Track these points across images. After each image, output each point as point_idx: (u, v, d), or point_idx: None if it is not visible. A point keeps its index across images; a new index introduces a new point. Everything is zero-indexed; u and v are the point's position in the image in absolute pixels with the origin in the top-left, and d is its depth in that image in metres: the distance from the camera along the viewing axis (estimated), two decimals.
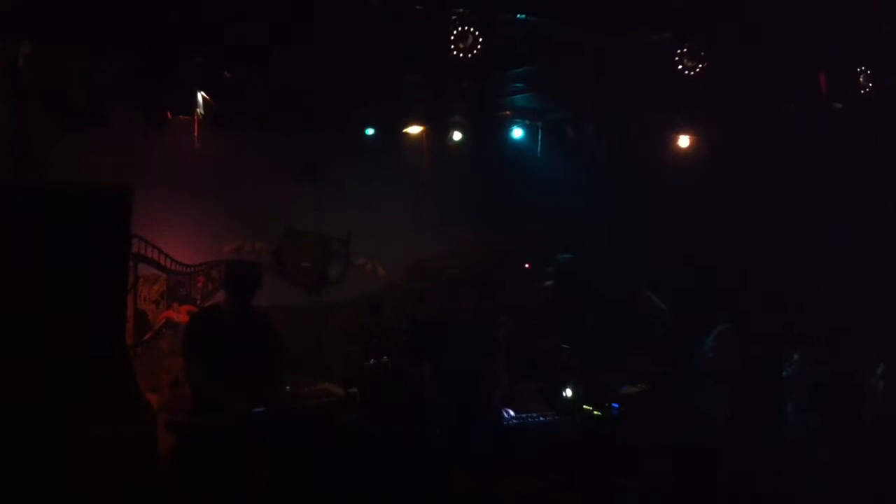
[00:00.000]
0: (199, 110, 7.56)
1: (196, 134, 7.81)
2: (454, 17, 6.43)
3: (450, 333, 6.81)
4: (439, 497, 6.10)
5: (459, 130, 9.14)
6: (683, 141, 8.86)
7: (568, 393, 6.77)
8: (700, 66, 6.73)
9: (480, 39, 6.42)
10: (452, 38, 6.44)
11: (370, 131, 9.14)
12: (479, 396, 6.69)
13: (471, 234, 9.82)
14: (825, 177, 8.73)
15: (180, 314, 7.96)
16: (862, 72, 7.15)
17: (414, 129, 9.13)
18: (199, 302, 8.45)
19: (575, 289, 7.71)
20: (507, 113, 9.28)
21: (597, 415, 6.68)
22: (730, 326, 7.22)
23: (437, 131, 9.17)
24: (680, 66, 6.75)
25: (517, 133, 9.49)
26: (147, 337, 7.96)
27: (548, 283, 7.77)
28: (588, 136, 9.43)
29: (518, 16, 6.70)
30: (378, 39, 6.73)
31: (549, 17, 6.74)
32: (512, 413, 6.66)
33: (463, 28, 6.41)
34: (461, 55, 6.43)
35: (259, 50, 6.94)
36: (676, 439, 6.56)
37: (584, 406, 6.73)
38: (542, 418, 6.63)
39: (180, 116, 7.88)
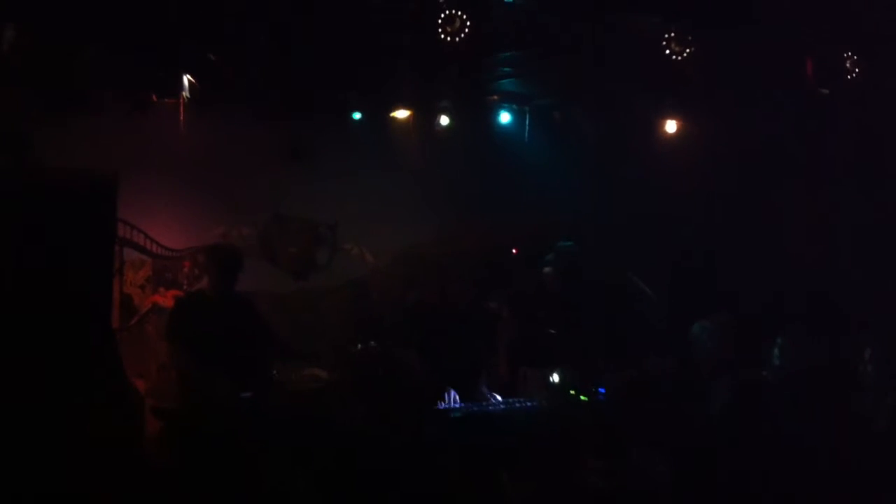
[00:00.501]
0: (185, 93, 7.51)
1: (182, 117, 7.76)
2: (442, 1, 6.41)
3: (438, 318, 6.82)
4: (427, 484, 6.10)
5: (447, 115, 9.12)
6: (671, 126, 8.86)
7: (555, 378, 6.79)
8: (688, 50, 6.73)
9: (468, 23, 6.41)
10: (440, 21, 6.42)
11: (357, 116, 9.10)
12: (468, 381, 6.71)
13: (459, 220, 9.80)
14: (819, 165, 8.75)
15: (167, 298, 7.93)
16: (848, 57, 7.16)
17: (401, 114, 9.09)
18: (185, 286, 8.42)
19: (575, 277, 7.72)
20: (495, 97, 9.26)
21: (583, 399, 6.69)
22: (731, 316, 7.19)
23: (425, 116, 9.14)
24: (667, 51, 6.75)
25: (505, 118, 9.47)
26: (133, 321, 7.93)
27: (546, 269, 7.76)
28: (576, 122, 9.43)
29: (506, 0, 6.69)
30: (365, 23, 6.71)
31: (537, 1, 6.73)
32: (498, 398, 6.68)
33: (450, 12, 6.40)
34: (449, 39, 6.41)
35: (245, 34, 6.91)
36: (669, 430, 6.57)
37: (570, 391, 6.74)
38: (528, 403, 6.63)
39: (165, 99, 7.81)
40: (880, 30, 7.01)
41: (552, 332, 7.26)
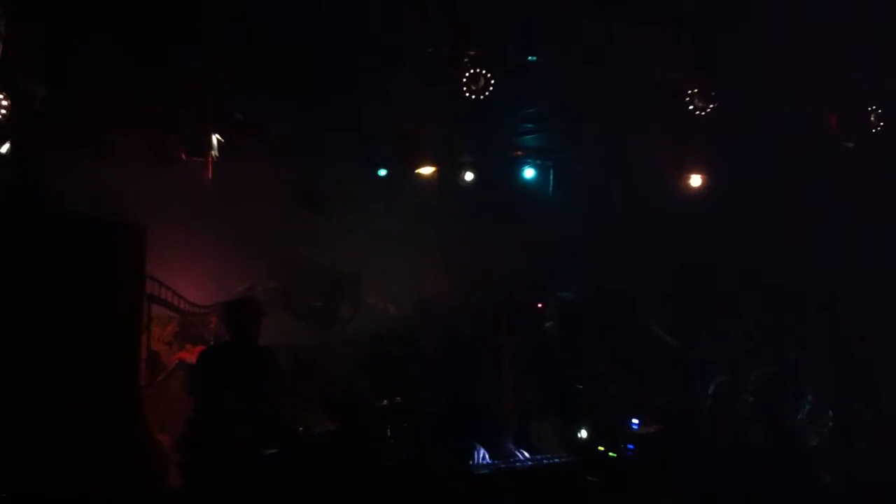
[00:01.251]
0: (214, 152, 7.62)
1: (210, 175, 7.86)
2: (466, 60, 6.50)
3: (462, 371, 6.79)
4: None
5: (471, 170, 9.18)
6: (695, 181, 8.89)
7: (583, 434, 6.72)
8: (711, 105, 6.78)
9: (492, 81, 6.49)
10: (465, 79, 6.50)
11: (382, 172, 9.18)
12: (494, 437, 6.65)
13: (482, 271, 9.80)
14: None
15: (193, 355, 7.94)
16: (873, 111, 7.17)
17: (426, 170, 9.17)
18: (211, 343, 8.44)
19: (577, 327, 7.67)
20: (519, 153, 9.32)
21: (612, 456, 6.61)
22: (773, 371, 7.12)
23: (449, 171, 9.21)
24: (691, 107, 6.80)
25: (529, 173, 9.53)
26: (160, 378, 7.95)
27: (549, 323, 7.73)
28: (598, 176, 9.47)
29: (529, 58, 6.78)
30: (391, 81, 6.81)
31: (559, 57, 6.81)
32: (526, 455, 6.61)
33: (475, 70, 6.49)
34: (473, 96, 6.49)
35: (272, 90, 7.03)
36: (697, 479, 6.47)
37: (599, 447, 6.67)
38: (556, 460, 6.55)
39: (194, 158, 7.93)
40: None
41: (579, 386, 7.20)
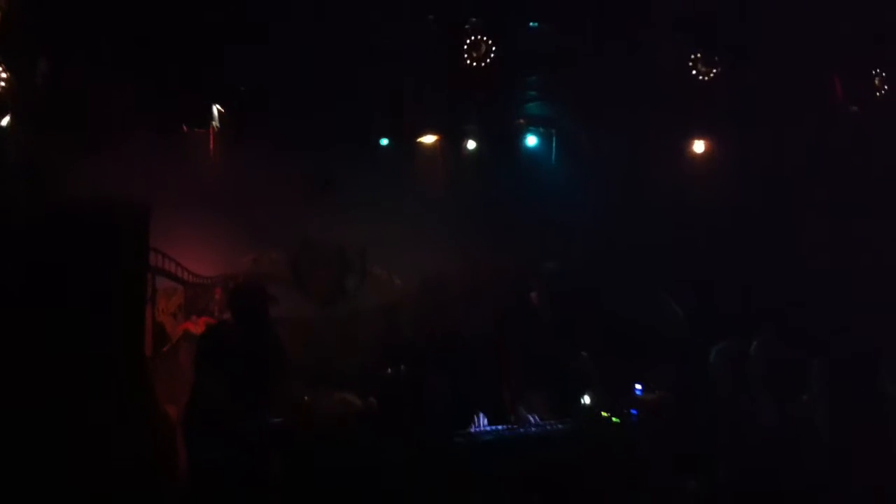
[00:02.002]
0: (215, 123, 7.60)
1: (212, 147, 7.84)
2: (467, 27, 6.47)
3: (467, 342, 6.81)
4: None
5: (474, 139, 9.15)
6: (698, 146, 8.84)
7: (586, 400, 6.75)
8: (714, 71, 6.73)
9: (493, 48, 6.45)
10: (466, 47, 6.47)
11: (385, 142, 9.15)
12: (502, 404, 6.69)
13: (485, 241, 9.79)
14: (841, 183, 8.68)
15: (198, 326, 7.98)
16: (877, 74, 7.12)
17: (428, 139, 9.14)
18: (216, 314, 8.46)
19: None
20: (521, 121, 9.28)
21: (615, 421, 6.65)
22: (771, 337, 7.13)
23: (452, 141, 9.18)
24: (694, 72, 6.75)
25: (531, 141, 9.48)
26: (165, 349, 7.99)
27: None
28: (602, 143, 9.42)
29: (531, 24, 6.73)
30: (393, 50, 6.77)
31: (562, 23, 6.76)
32: (538, 419, 6.66)
33: (476, 37, 6.45)
34: (475, 64, 6.46)
35: (272, 62, 6.99)
36: (700, 447, 6.51)
37: (602, 413, 6.70)
38: (560, 426, 6.60)
39: (195, 129, 7.91)
40: None
41: (583, 353, 7.22)
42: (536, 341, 7.31)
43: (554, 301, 7.58)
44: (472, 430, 6.44)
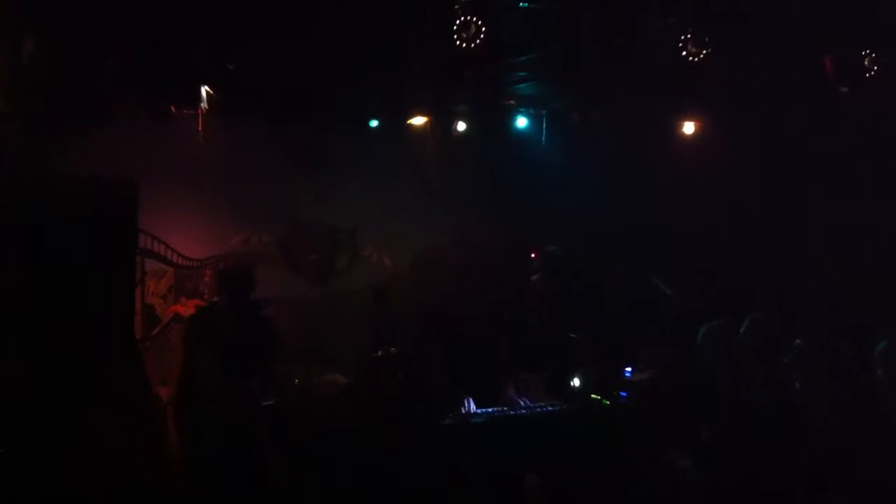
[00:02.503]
0: (203, 104, 7.55)
1: (200, 128, 7.80)
2: (456, 7, 6.41)
3: (457, 321, 6.82)
4: (447, 488, 6.11)
5: (464, 120, 9.13)
6: (689, 128, 8.84)
7: (576, 382, 6.78)
8: (705, 51, 6.70)
9: (483, 29, 6.40)
10: (455, 28, 6.42)
11: (374, 123, 9.12)
12: (493, 386, 6.71)
13: (475, 222, 9.79)
14: (835, 170, 8.69)
15: (188, 308, 7.96)
16: (867, 55, 7.10)
17: (418, 120, 9.11)
18: (206, 296, 8.44)
19: (564, 279, 7.69)
20: (512, 102, 9.25)
21: (605, 403, 6.68)
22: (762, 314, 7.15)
23: (442, 122, 9.15)
24: (684, 53, 6.72)
25: (521, 122, 9.47)
26: (155, 331, 7.98)
27: (534, 276, 7.75)
28: (593, 123, 9.41)
29: (521, 3, 6.68)
30: (381, 31, 6.72)
31: (552, 3, 6.71)
32: (528, 402, 6.69)
33: (465, 18, 6.40)
34: (464, 45, 6.41)
35: (262, 42, 6.94)
36: (692, 427, 6.55)
37: (592, 395, 6.73)
38: (549, 408, 6.63)
39: (184, 111, 7.86)
40: None
41: (573, 335, 7.24)
42: (532, 322, 7.34)
43: (553, 283, 7.61)
44: (462, 411, 6.46)
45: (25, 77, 6.58)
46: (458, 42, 6.42)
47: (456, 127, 9.15)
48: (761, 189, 9.00)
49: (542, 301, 7.53)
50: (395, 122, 9.11)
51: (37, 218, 5.56)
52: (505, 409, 6.60)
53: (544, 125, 9.48)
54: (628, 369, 6.88)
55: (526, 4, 6.72)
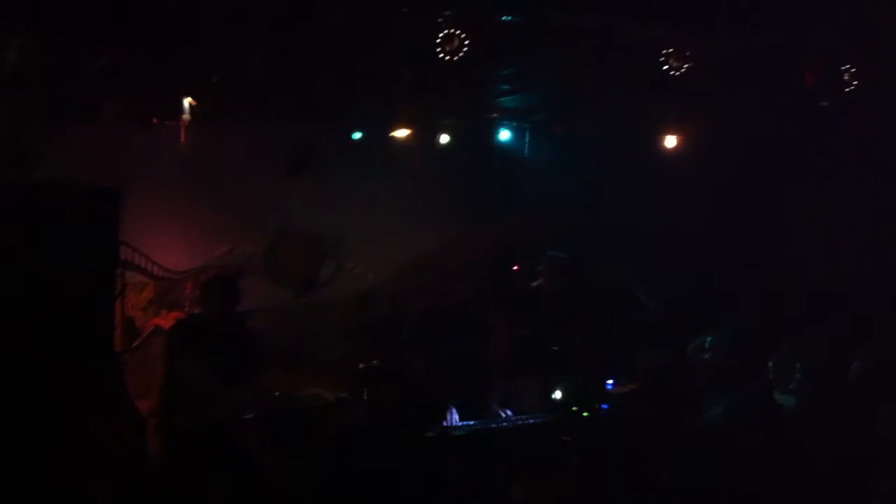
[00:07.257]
0: (186, 116, 7.54)
1: (182, 139, 7.78)
2: (440, 20, 6.42)
3: (445, 329, 6.81)
4: (436, 497, 6.09)
5: (447, 133, 9.14)
6: (671, 141, 8.89)
7: (557, 394, 6.77)
8: (686, 65, 6.72)
9: (467, 42, 6.41)
10: (439, 40, 6.43)
11: (357, 135, 9.12)
12: (477, 396, 6.69)
13: (462, 229, 9.81)
14: (819, 171, 8.76)
15: (168, 320, 7.93)
16: (846, 70, 7.15)
17: (401, 133, 9.11)
18: (186, 308, 8.42)
19: (566, 286, 7.69)
20: (495, 115, 9.27)
21: (585, 416, 6.66)
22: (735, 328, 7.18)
23: (425, 134, 9.16)
24: (666, 67, 6.75)
25: (504, 135, 9.50)
26: (135, 344, 7.94)
27: (537, 282, 7.74)
28: (576, 135, 9.45)
29: (504, 17, 6.69)
30: (364, 43, 6.72)
31: (536, 16, 6.73)
32: (510, 413, 6.67)
33: (449, 31, 6.40)
34: (448, 58, 6.42)
35: (246, 53, 6.93)
36: (672, 438, 6.54)
37: (573, 407, 6.71)
38: (531, 421, 6.61)
39: (166, 122, 7.85)
40: (880, 41, 7.00)
41: (554, 347, 7.23)
42: (528, 330, 7.32)
43: (561, 284, 7.60)
44: (445, 424, 6.44)
45: (10, 74, 6.56)
46: (441, 55, 6.42)
47: (439, 139, 9.16)
48: (743, 195, 9.07)
49: (545, 306, 7.52)
50: (378, 134, 9.11)
51: (13, 227, 5.52)
52: (488, 421, 6.57)
53: (527, 138, 9.51)
54: (610, 382, 6.87)
55: (510, 18, 6.73)
